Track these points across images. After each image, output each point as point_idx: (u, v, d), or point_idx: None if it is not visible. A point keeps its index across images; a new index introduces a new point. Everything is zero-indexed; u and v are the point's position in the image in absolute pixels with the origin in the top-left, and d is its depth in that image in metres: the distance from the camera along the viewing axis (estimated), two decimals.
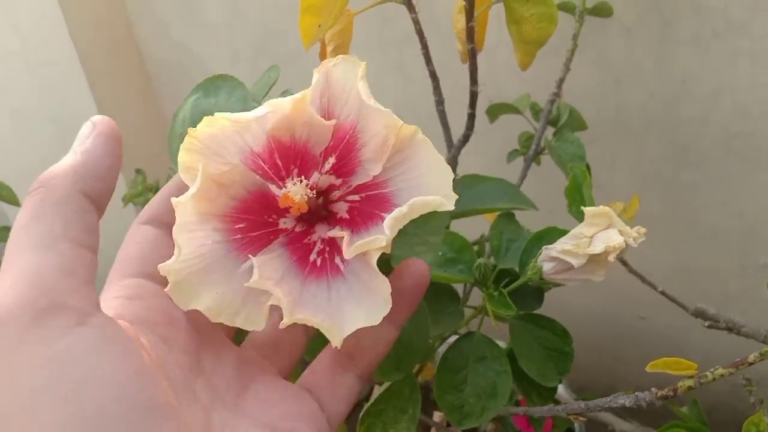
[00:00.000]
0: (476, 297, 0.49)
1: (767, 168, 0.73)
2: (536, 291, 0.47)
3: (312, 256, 0.30)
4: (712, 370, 0.36)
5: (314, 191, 0.30)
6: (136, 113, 1.09)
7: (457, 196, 0.28)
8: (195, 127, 0.37)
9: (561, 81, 0.66)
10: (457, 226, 0.52)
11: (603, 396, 0.41)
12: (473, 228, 0.54)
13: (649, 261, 0.71)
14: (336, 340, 0.28)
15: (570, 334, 0.47)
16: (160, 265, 0.28)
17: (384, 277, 0.28)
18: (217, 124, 0.28)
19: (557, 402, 0.52)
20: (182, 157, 0.29)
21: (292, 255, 0.30)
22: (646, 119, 0.76)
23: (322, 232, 0.31)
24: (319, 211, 0.31)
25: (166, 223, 0.31)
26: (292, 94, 0.28)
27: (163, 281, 0.28)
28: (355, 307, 0.28)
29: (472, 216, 0.51)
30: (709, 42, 0.69)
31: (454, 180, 0.29)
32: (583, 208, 0.39)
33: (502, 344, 0.49)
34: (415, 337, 0.41)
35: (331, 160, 0.31)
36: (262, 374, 0.31)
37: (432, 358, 0.60)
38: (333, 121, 0.29)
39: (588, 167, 0.66)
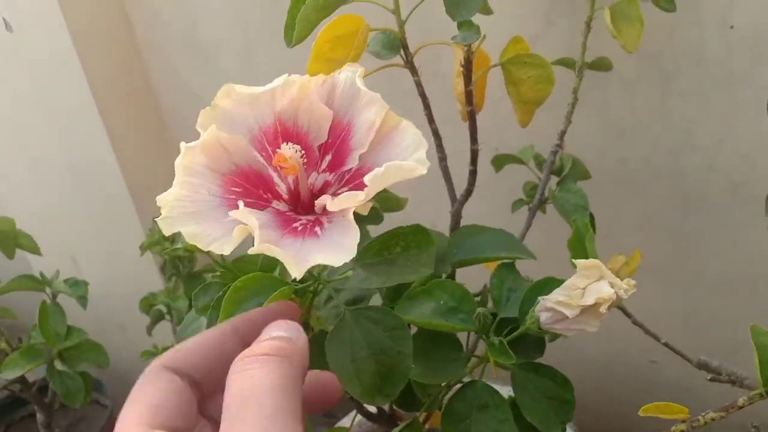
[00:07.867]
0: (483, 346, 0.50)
1: None
2: (537, 340, 0.48)
3: (295, 224, 0.32)
4: (703, 414, 0.37)
5: (312, 191, 0.33)
6: (153, 162, 1.11)
7: (429, 163, 0.31)
8: None
9: (563, 133, 0.67)
10: (460, 277, 0.53)
11: None
12: (476, 279, 0.55)
13: (657, 308, 0.71)
14: (296, 272, 0.28)
15: (570, 383, 0.47)
16: (158, 197, 0.30)
17: (356, 231, 0.30)
18: (234, 96, 0.33)
19: None
20: (201, 119, 0.33)
21: (277, 217, 0.32)
22: (650, 169, 0.77)
23: (310, 217, 0.33)
24: (312, 206, 0.34)
25: (187, 374, 0.30)
26: None
27: None
28: (322, 253, 0.30)
29: (473, 265, 0.51)
30: (711, 93, 0.70)
31: (455, 232, 0.31)
32: (574, 260, 0.40)
33: (508, 390, 0.49)
34: (396, 359, 0.40)
35: (328, 158, 0.34)
36: None
37: (438, 405, 0.60)
38: (331, 112, 0.33)
39: (592, 217, 0.67)
